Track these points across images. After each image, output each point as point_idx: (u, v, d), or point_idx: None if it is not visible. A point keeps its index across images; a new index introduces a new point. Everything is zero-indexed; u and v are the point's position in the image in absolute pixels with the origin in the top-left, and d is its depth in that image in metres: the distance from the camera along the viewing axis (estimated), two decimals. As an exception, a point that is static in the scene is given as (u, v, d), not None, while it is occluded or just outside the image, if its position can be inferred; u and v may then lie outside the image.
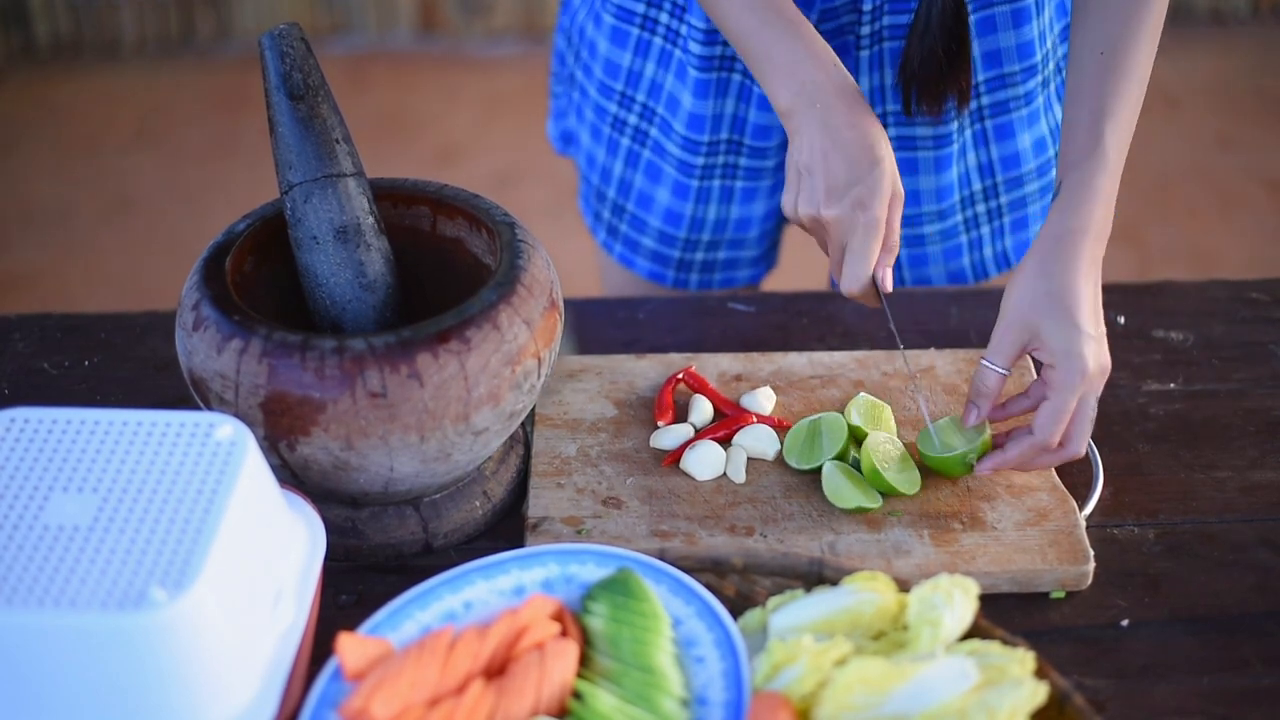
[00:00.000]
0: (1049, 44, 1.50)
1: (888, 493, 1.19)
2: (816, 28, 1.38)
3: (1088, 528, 1.18)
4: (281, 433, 1.05)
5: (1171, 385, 1.35)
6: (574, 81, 1.63)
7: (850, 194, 1.19)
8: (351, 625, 1.02)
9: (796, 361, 1.35)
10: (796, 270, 2.22)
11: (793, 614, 0.97)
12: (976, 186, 1.54)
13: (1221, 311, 1.45)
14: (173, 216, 3.45)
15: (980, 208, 1.56)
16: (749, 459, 1.24)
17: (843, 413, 1.26)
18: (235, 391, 1.05)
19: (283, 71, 1.12)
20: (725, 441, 1.25)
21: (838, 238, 1.21)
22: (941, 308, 1.45)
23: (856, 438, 1.24)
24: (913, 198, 1.52)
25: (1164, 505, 1.22)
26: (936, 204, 1.53)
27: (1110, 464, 1.25)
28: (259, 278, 1.19)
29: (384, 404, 1.04)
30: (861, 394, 1.27)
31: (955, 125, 1.48)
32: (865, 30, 1.42)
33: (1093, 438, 1.26)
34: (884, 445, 1.20)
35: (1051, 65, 1.52)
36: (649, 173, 1.56)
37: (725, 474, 1.23)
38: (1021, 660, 0.92)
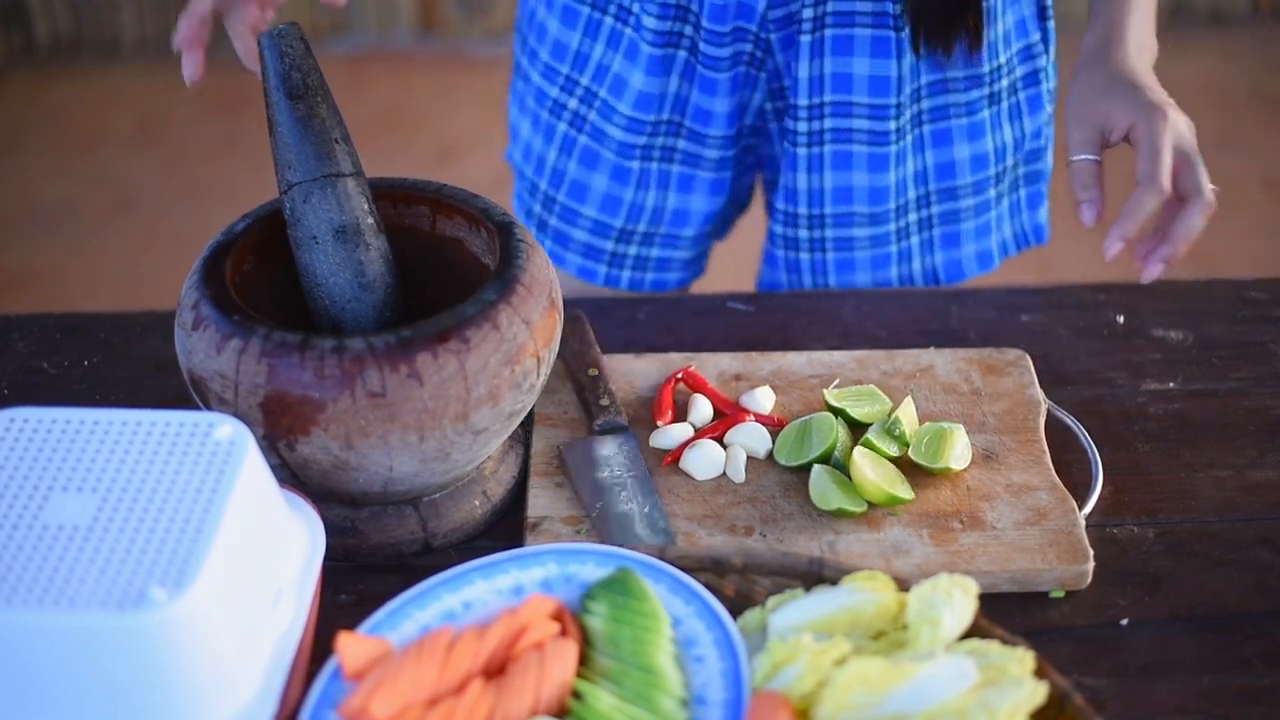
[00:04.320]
0: (1001, 59, 1.48)
1: (884, 504, 1.18)
2: (764, 14, 1.41)
3: (1087, 527, 1.18)
4: (281, 432, 1.05)
5: (1171, 385, 1.35)
6: (519, 70, 1.63)
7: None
8: (351, 625, 1.02)
9: (796, 361, 1.35)
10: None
11: (792, 613, 0.97)
12: (911, 195, 1.53)
13: (1221, 311, 1.45)
14: (173, 216, 3.45)
15: (912, 216, 1.54)
16: (748, 459, 1.24)
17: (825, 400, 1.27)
18: (235, 391, 1.05)
19: (282, 71, 1.12)
20: (724, 441, 1.25)
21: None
22: (941, 307, 1.45)
23: (848, 421, 1.25)
24: (845, 194, 1.51)
25: (1164, 505, 1.22)
26: (869, 205, 1.51)
27: (1110, 463, 1.25)
28: (258, 277, 1.19)
29: (383, 403, 1.04)
30: (860, 386, 1.28)
31: (893, 125, 1.46)
32: (808, 14, 1.42)
33: (1092, 437, 1.26)
34: (869, 458, 1.20)
35: (1005, 82, 1.50)
36: (584, 159, 1.56)
37: (725, 473, 1.23)
38: (1021, 660, 0.92)
